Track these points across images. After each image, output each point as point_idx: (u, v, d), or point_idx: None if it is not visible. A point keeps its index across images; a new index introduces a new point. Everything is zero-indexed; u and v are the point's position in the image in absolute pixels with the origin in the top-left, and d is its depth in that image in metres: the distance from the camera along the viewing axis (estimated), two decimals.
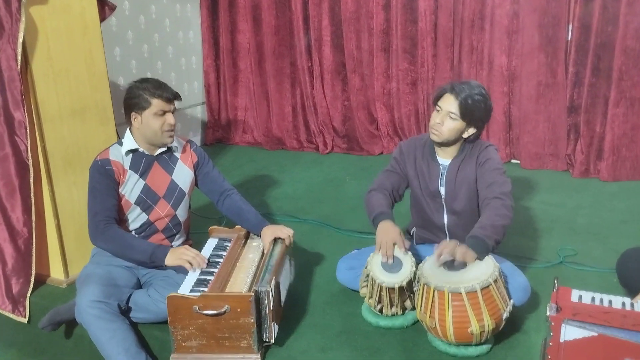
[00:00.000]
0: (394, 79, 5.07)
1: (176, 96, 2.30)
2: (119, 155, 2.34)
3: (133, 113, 2.29)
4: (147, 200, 2.38)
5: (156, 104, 2.25)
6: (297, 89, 5.47)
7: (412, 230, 2.57)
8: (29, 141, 2.57)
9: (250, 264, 2.29)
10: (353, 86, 5.19)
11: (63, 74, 2.69)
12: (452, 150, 2.37)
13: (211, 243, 2.49)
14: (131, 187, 2.35)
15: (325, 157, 5.22)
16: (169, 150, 2.42)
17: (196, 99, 5.70)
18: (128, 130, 2.38)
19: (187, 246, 2.29)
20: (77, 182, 2.78)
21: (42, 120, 2.62)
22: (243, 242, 2.48)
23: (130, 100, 2.28)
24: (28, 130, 2.55)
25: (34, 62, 2.57)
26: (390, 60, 5.04)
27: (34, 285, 2.68)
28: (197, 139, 5.70)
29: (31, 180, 2.62)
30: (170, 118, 2.28)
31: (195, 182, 2.54)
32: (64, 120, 2.72)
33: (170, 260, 2.22)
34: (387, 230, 2.22)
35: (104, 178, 2.29)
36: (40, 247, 2.75)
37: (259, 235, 2.48)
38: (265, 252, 2.37)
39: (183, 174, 2.46)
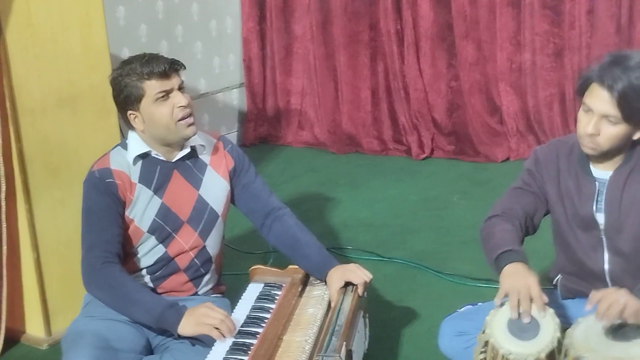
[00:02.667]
0: (527, 47, 5.01)
1: (174, 65, 2.33)
2: (124, 162, 2.39)
3: (129, 112, 2.35)
4: (165, 227, 2.42)
5: (150, 86, 2.29)
6: (379, 64, 5.50)
7: (556, 278, 2.52)
8: (0, 142, 2.70)
9: (309, 323, 2.30)
10: (464, 59, 5.17)
11: (48, 46, 2.83)
12: (615, 158, 2.31)
13: (253, 291, 2.52)
14: (142, 209, 2.40)
15: (422, 165, 5.20)
16: (193, 152, 2.48)
17: (231, 79, 5.84)
18: (131, 133, 2.45)
19: (209, 304, 2.31)
20: (65, 200, 2.91)
21: (18, 113, 2.75)
22: (299, 289, 2.50)
23: (119, 97, 2.34)
24: None
25: (8, 31, 2.71)
26: (522, 19, 4.98)
27: (3, 345, 2.81)
28: (231, 138, 5.82)
29: (2, 196, 2.76)
30: (178, 97, 2.32)
31: (232, 198, 2.59)
32: (47, 112, 2.86)
33: (187, 327, 2.22)
34: (519, 276, 2.18)
35: (102, 196, 2.35)
36: (12, 291, 2.88)
37: (323, 279, 2.49)
38: (332, 305, 2.38)
39: (215, 187, 2.51)
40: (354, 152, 5.60)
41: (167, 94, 2.31)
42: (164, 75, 2.30)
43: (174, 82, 2.33)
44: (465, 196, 4.52)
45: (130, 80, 2.30)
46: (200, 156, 2.49)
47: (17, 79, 2.74)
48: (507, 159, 5.15)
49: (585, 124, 2.21)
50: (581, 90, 2.25)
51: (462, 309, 2.57)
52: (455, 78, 5.25)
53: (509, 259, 2.25)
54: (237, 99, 5.92)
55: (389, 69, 5.43)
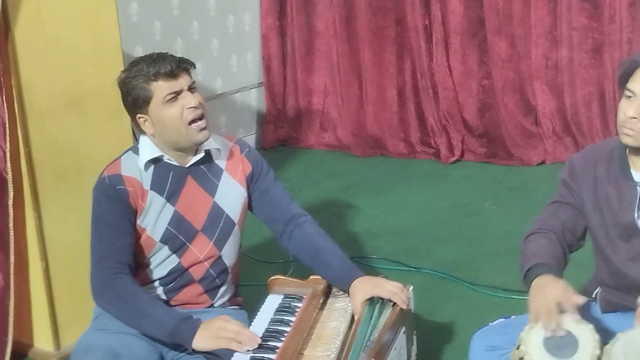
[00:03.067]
0: (564, 43, 4.99)
1: (182, 64, 2.34)
2: (135, 168, 2.40)
3: (139, 116, 2.36)
4: (178, 236, 2.43)
5: (158, 87, 2.30)
6: (406, 61, 5.49)
7: (596, 290, 2.50)
8: (8, 145, 2.73)
9: (332, 337, 2.30)
10: (497, 56, 5.15)
11: (57, 44, 2.85)
12: None
13: (272, 302, 2.51)
14: (155, 217, 2.40)
15: (451, 169, 5.19)
16: (208, 156, 2.48)
17: (250, 78, 5.86)
18: (142, 137, 2.45)
19: (224, 316, 2.32)
20: (75, 207, 2.93)
21: (27, 115, 2.78)
22: (321, 301, 2.49)
23: (128, 100, 2.36)
24: (7, 129, 2.72)
25: (16, 28, 2.73)
26: (559, 12, 4.96)
27: (10, 359, 2.83)
28: (250, 140, 5.84)
29: (10, 202, 2.79)
30: (187, 98, 2.32)
31: (249, 206, 2.59)
32: (57, 114, 2.88)
33: (202, 341, 2.23)
34: (546, 290, 2.17)
35: (113, 204, 2.36)
36: (20, 302, 2.90)
37: (346, 291, 2.49)
38: (356, 318, 2.38)
39: (231, 193, 2.51)
40: (379, 156, 5.59)
41: (176, 95, 2.32)
42: (172, 75, 2.31)
43: (182, 82, 2.33)
44: (498, 202, 4.50)
45: (137, 82, 2.31)
46: (215, 161, 2.48)
47: (25, 78, 2.77)
48: (543, 162, 5.12)
49: (626, 107, 2.21)
50: (624, 78, 2.24)
51: (495, 323, 2.56)
52: (487, 76, 5.23)
53: (536, 272, 2.24)
54: (255, 99, 5.94)
55: (416, 66, 5.42)
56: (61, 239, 2.92)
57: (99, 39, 2.96)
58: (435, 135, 5.42)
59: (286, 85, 5.91)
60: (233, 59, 5.67)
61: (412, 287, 2.45)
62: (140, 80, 2.31)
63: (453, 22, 5.23)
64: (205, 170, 2.47)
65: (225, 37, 5.56)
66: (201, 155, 2.44)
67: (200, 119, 2.35)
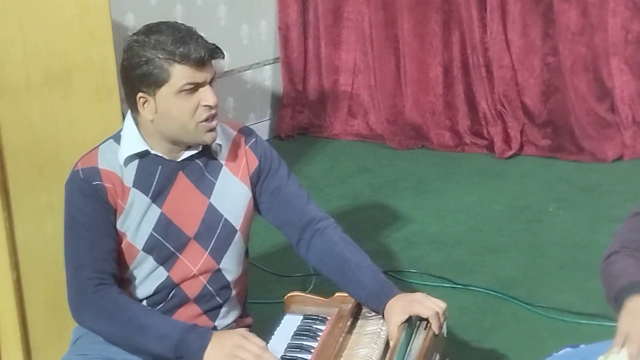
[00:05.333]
0: None
1: (214, 53, 2.35)
2: (115, 160, 2.40)
3: (140, 94, 2.34)
4: (165, 244, 2.43)
5: (180, 72, 2.29)
6: (454, 34, 5.49)
7: None
8: None
9: None
10: (565, 27, 5.13)
11: (35, 9, 2.85)
12: None
13: (289, 324, 2.51)
14: (137, 220, 2.40)
15: (508, 165, 5.19)
16: (205, 149, 2.47)
17: (263, 52, 5.88)
18: (129, 116, 2.45)
19: (243, 331, 2.34)
20: (54, 205, 2.94)
21: None
22: (349, 324, 2.50)
23: (134, 71, 2.33)
24: None
25: None
26: None
27: None
28: (262, 128, 5.86)
29: None
30: (208, 96, 2.32)
31: (256, 207, 2.59)
32: (33, 92, 2.88)
33: (214, 358, 2.23)
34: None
35: (89, 202, 2.36)
36: None
37: (380, 312, 2.50)
38: (391, 345, 2.38)
39: (232, 193, 2.50)
40: (419, 148, 5.60)
41: (196, 87, 2.31)
42: (200, 63, 2.30)
43: (207, 74, 2.33)
44: (565, 205, 4.49)
45: (154, 56, 2.28)
46: (214, 154, 2.48)
47: None
48: (620, 157, 5.10)
49: None
50: None
51: (560, 353, 2.55)
52: (553, 52, 5.22)
53: (631, 291, 2.23)
54: (270, 78, 5.95)
55: (466, 39, 5.42)
56: (36, 245, 2.93)
57: (84, 4, 2.97)
58: (488, 123, 5.41)
59: (307, 62, 5.92)
60: (244, 29, 5.69)
61: (445, 307, 2.43)
62: (159, 56, 2.28)
63: None
64: (201, 165, 2.46)
65: (235, 2, 5.59)
66: (198, 149, 2.44)
67: (212, 118, 2.35)
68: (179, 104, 2.31)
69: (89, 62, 2.98)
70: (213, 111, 2.34)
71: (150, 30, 2.32)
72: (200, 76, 2.31)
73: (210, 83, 2.35)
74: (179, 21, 2.44)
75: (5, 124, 2.82)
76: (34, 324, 2.96)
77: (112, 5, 3.07)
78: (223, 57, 2.38)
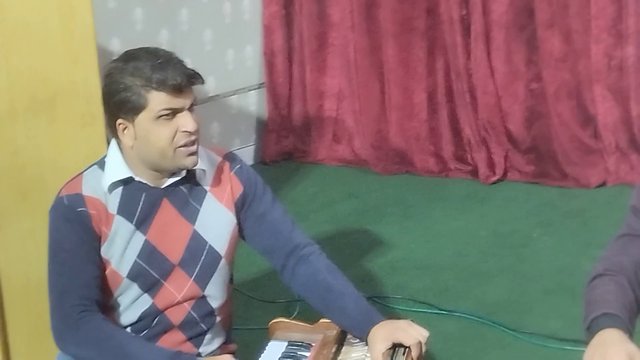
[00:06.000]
0: (630, 39, 4.99)
1: (193, 79, 2.34)
2: (99, 187, 2.40)
3: (120, 120, 2.34)
4: (150, 272, 2.42)
5: (157, 99, 2.29)
6: (439, 60, 5.51)
7: None
8: None
9: None
10: (549, 54, 5.16)
11: (20, 34, 2.86)
12: None
13: (274, 351, 2.51)
14: (122, 247, 2.40)
15: (493, 191, 5.19)
16: (189, 175, 2.47)
17: (248, 77, 5.88)
18: (114, 142, 2.45)
19: (229, 357, 2.35)
20: (37, 231, 2.93)
21: None
22: (334, 350, 2.49)
23: (112, 98, 2.33)
24: None
25: None
26: (625, 2, 4.97)
27: None
28: (247, 153, 5.86)
29: None
30: (186, 121, 2.31)
31: (241, 233, 2.59)
32: (17, 117, 2.88)
33: None
34: (610, 347, 2.17)
35: (74, 228, 2.36)
36: None
37: (364, 339, 2.49)
38: None
39: (216, 220, 2.50)
40: (404, 173, 5.60)
41: (174, 113, 2.31)
42: (178, 89, 2.29)
43: (186, 100, 2.32)
44: (550, 231, 4.49)
45: (132, 83, 2.29)
46: (199, 180, 2.48)
47: None
48: (604, 183, 5.11)
49: None
50: None
51: None
52: (537, 78, 5.24)
53: (601, 324, 2.22)
54: (255, 103, 5.96)
55: (450, 66, 5.44)
56: (19, 271, 2.92)
57: (69, 29, 2.97)
58: (472, 149, 5.42)
59: (292, 87, 5.93)
60: (229, 54, 5.69)
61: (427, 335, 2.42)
62: (137, 82, 2.28)
63: (496, 12, 5.24)
64: (185, 191, 2.46)
65: (220, 28, 5.59)
66: (182, 175, 2.43)
67: (192, 144, 2.34)
68: (157, 130, 2.30)
69: (74, 87, 2.97)
70: (193, 137, 2.33)
71: (129, 56, 2.34)
72: (177, 102, 2.30)
73: (190, 108, 2.34)
74: (164, 46, 2.44)
75: None
76: (16, 350, 2.95)
77: (97, 30, 3.07)
78: (203, 83, 2.37)
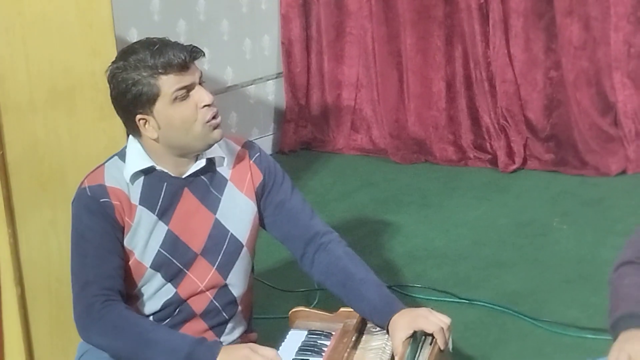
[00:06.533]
0: None
1: (194, 53, 2.34)
2: (121, 177, 2.41)
3: (139, 116, 2.35)
4: (173, 261, 2.43)
5: (167, 82, 2.30)
6: (456, 48, 5.50)
7: None
8: None
9: None
10: (567, 41, 5.14)
11: (38, 26, 2.87)
12: None
13: (294, 340, 2.51)
14: (145, 238, 2.41)
15: (512, 180, 5.19)
16: (209, 164, 2.48)
17: (266, 67, 5.89)
18: (131, 139, 2.45)
19: (252, 345, 2.34)
20: (57, 222, 2.94)
21: (1, 110, 2.79)
22: (354, 339, 2.50)
23: (124, 98, 2.34)
24: None
25: None
26: None
27: None
28: (266, 143, 5.87)
29: None
30: (202, 95, 2.33)
31: (261, 222, 2.60)
32: (37, 109, 2.89)
33: None
34: (636, 340, 2.16)
35: (97, 219, 2.36)
36: None
37: (384, 327, 2.50)
38: (396, 359, 2.38)
39: (237, 208, 2.51)
40: (422, 162, 5.60)
41: (187, 90, 2.32)
42: (184, 66, 2.31)
43: (195, 75, 2.34)
44: (569, 220, 4.49)
45: (139, 77, 2.30)
46: (218, 169, 2.49)
47: (1, 66, 2.78)
48: (624, 171, 5.10)
49: None
50: None
51: None
52: (556, 66, 5.22)
53: (627, 324, 2.22)
54: (273, 93, 5.96)
55: (469, 54, 5.43)
56: (40, 260, 2.93)
57: (88, 20, 2.98)
58: (491, 138, 5.41)
59: (310, 76, 5.94)
60: (247, 44, 5.70)
61: (449, 321, 2.42)
62: (143, 74, 2.29)
63: (514, 0, 5.22)
64: (206, 181, 2.47)
65: (238, 18, 5.60)
66: (202, 164, 2.44)
67: (215, 116, 2.36)
68: (178, 112, 2.32)
69: (93, 78, 2.98)
70: (214, 109, 2.35)
71: (126, 53, 2.34)
72: (187, 79, 2.32)
73: (200, 82, 2.36)
74: (182, 37, 2.45)
75: (10, 141, 2.82)
76: (38, 339, 2.96)
77: (115, 21, 3.08)
78: (204, 55, 2.38)
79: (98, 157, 2.65)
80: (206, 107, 2.33)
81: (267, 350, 2.27)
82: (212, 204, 2.47)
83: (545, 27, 5.22)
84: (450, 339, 2.42)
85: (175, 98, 2.31)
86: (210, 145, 2.41)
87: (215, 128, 2.36)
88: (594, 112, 5.19)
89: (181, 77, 2.31)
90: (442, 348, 2.35)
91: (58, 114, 2.94)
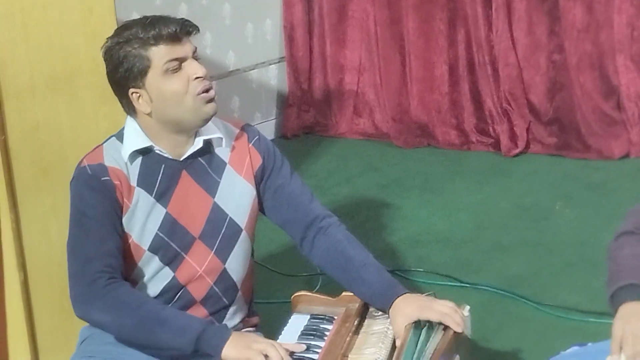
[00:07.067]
0: None
1: (186, 26, 2.34)
2: (120, 158, 2.41)
3: (131, 90, 2.35)
4: (171, 244, 2.43)
5: (158, 53, 2.30)
6: (459, 32, 5.49)
7: None
8: None
9: None
10: (571, 24, 5.13)
11: (39, 10, 2.87)
12: None
13: (296, 324, 2.51)
14: (142, 220, 2.40)
15: (514, 164, 5.19)
16: (208, 147, 2.47)
17: (268, 51, 5.88)
18: (128, 118, 2.45)
19: (254, 335, 2.36)
20: (58, 207, 2.94)
21: (2, 95, 2.80)
22: (356, 323, 2.50)
23: (117, 72, 2.34)
24: None
25: None
26: None
27: None
28: (268, 127, 5.87)
29: None
30: (194, 68, 2.32)
31: (260, 207, 2.59)
32: (37, 94, 2.90)
33: (232, 350, 2.25)
34: (637, 318, 2.17)
35: (98, 196, 2.35)
36: None
37: (386, 310, 2.49)
38: (398, 344, 2.38)
39: (236, 192, 2.50)
40: (425, 146, 5.60)
41: (179, 62, 2.32)
42: (175, 38, 2.31)
43: (187, 48, 2.34)
44: (572, 203, 4.49)
45: (131, 49, 2.30)
46: (217, 152, 2.48)
47: (1, 51, 2.79)
48: (627, 155, 5.09)
49: None
50: None
51: (567, 351, 2.55)
52: (559, 50, 5.21)
53: (627, 296, 2.22)
54: (275, 77, 5.95)
55: (472, 37, 5.42)
56: (43, 245, 2.94)
57: (89, 4, 2.98)
58: (494, 121, 5.41)
59: (313, 61, 5.93)
60: (249, 28, 5.69)
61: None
62: (135, 46, 2.30)
63: None
64: (205, 163, 2.46)
65: (239, 2, 5.59)
66: (199, 145, 2.43)
67: (207, 89, 2.35)
68: (169, 84, 2.32)
69: (93, 63, 2.97)
70: (207, 82, 2.34)
71: (120, 29, 2.37)
72: (179, 51, 2.32)
73: (194, 57, 2.35)
74: None
75: (10, 126, 2.83)
76: (41, 324, 2.98)
77: (117, 4, 3.08)
78: (198, 31, 2.37)
79: (99, 141, 2.63)
80: (198, 79, 2.32)
81: (270, 344, 2.25)
82: (210, 187, 2.46)
83: (548, 10, 5.20)
84: (469, 324, 2.41)
85: (167, 70, 2.30)
86: (205, 121, 2.39)
87: (208, 102, 2.35)
88: (597, 95, 5.18)
89: (172, 48, 2.31)
90: (458, 330, 2.32)
91: (59, 98, 2.94)
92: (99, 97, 3.02)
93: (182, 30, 2.32)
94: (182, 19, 2.36)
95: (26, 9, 2.84)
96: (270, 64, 5.89)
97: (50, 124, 2.93)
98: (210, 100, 2.35)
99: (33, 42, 2.86)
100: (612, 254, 2.38)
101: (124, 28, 2.35)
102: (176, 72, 2.31)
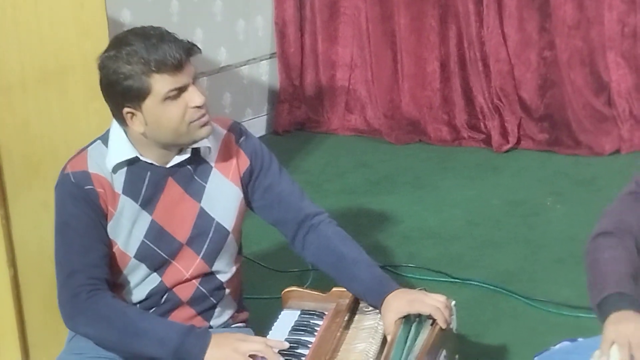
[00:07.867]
0: None
1: (191, 52, 2.28)
2: (104, 165, 2.38)
3: (126, 109, 2.30)
4: (158, 252, 2.42)
5: (160, 81, 2.24)
6: (450, 28, 5.49)
7: None
8: None
9: None
10: (561, 21, 5.13)
11: (30, 5, 2.86)
12: None
13: (287, 320, 2.52)
14: (128, 228, 2.39)
15: (505, 159, 5.20)
16: (195, 153, 2.43)
17: (260, 48, 5.88)
18: (115, 123, 2.41)
19: (240, 335, 2.34)
20: (49, 203, 2.90)
21: None
22: (346, 319, 2.50)
23: (114, 88, 2.29)
24: None
25: None
26: None
27: None
28: (260, 123, 5.87)
29: None
30: (194, 97, 2.28)
31: (249, 206, 2.58)
32: (28, 90, 2.89)
33: (217, 354, 2.24)
34: (629, 322, 2.17)
35: (81, 206, 2.34)
36: None
37: (377, 306, 2.49)
38: (388, 340, 2.38)
39: (223, 196, 2.49)
40: (417, 142, 5.60)
41: (179, 91, 2.27)
42: (179, 67, 2.24)
43: (188, 75, 2.27)
44: (562, 200, 4.50)
45: (132, 72, 2.23)
46: (203, 155, 2.45)
47: None
48: (617, 151, 5.10)
49: None
50: None
51: (558, 346, 2.56)
52: (550, 46, 5.22)
53: (616, 305, 2.22)
54: (267, 73, 5.95)
55: (463, 34, 5.42)
56: (33, 241, 2.94)
57: (79, 0, 2.97)
58: (485, 117, 5.41)
59: (304, 57, 5.92)
60: (240, 24, 5.68)
61: (454, 302, 2.43)
62: (136, 69, 2.22)
63: None
64: (191, 169, 2.44)
65: None
66: (187, 155, 2.40)
67: (203, 116, 2.31)
68: (167, 111, 2.27)
69: (85, 59, 2.97)
70: (202, 110, 2.30)
71: (120, 42, 2.28)
72: (181, 80, 2.26)
73: (194, 81, 2.30)
74: (174, 17, 2.42)
75: (1, 121, 2.82)
76: (31, 320, 2.97)
77: (107, 1, 3.07)
78: (200, 52, 2.32)
79: (90, 137, 2.63)
80: (195, 109, 2.29)
81: (254, 344, 2.26)
82: (196, 192, 2.44)
83: (539, 7, 5.21)
84: (455, 319, 2.42)
85: (166, 98, 2.25)
86: (196, 142, 2.38)
87: (203, 126, 2.32)
88: (587, 91, 5.19)
89: (175, 77, 2.25)
90: (443, 327, 2.34)
91: (49, 94, 2.94)
92: (90, 93, 3.01)
93: (186, 57, 2.26)
94: (188, 44, 2.28)
95: (17, 5, 2.83)
96: (262, 60, 5.88)
97: (41, 119, 2.92)
98: (205, 125, 2.32)
99: (24, 37, 2.85)
100: (592, 257, 2.37)
101: (123, 42, 2.27)
102: (175, 99, 2.27)
